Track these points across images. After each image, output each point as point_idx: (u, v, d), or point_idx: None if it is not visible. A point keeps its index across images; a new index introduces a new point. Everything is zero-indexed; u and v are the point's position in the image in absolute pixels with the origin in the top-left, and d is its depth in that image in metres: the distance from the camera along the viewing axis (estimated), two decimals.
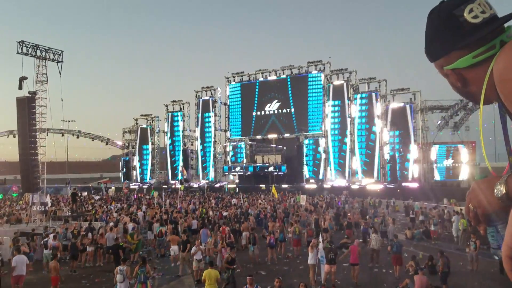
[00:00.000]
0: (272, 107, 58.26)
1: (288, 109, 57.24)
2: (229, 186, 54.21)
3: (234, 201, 36.62)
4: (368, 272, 15.94)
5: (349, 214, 26.99)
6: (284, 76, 57.64)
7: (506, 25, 1.16)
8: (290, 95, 56.90)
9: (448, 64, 1.21)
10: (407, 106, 48.70)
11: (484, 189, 1.12)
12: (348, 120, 51.32)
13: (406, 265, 15.23)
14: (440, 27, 1.20)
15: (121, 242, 18.44)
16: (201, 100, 61.67)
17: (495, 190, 1.08)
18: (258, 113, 59.40)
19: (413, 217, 27.75)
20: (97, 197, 41.02)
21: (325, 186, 49.39)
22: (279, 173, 51.88)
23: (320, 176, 53.24)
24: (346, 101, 51.55)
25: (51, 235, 18.23)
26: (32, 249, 17.64)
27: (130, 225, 21.63)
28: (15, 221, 26.00)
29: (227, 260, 13.85)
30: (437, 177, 47.47)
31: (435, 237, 22.86)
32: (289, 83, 57.18)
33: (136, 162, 65.27)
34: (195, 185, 57.76)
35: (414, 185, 46.02)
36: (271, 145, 55.72)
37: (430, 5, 1.26)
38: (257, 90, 59.47)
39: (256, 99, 59.39)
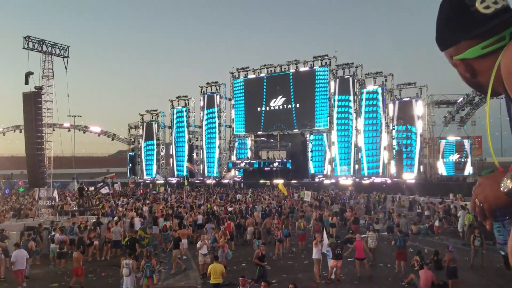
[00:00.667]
0: (277, 102, 58.17)
1: (294, 105, 57.09)
2: (234, 181, 54.29)
3: (239, 196, 36.71)
4: (373, 267, 15.92)
5: (347, 211, 26.66)
6: (290, 71, 57.48)
7: None
8: (296, 90, 56.69)
9: (458, 54, 1.19)
10: (414, 101, 48.44)
11: (490, 184, 1.11)
12: (354, 115, 51.16)
13: (411, 260, 15.21)
14: (451, 16, 1.18)
15: (128, 236, 18.57)
16: (206, 95, 61.70)
17: (502, 185, 1.07)
18: (263, 108, 59.33)
19: (420, 212, 27.60)
20: (104, 191, 41.08)
21: (330, 181, 49.32)
22: (284, 168, 51.86)
23: (325, 172, 53.18)
24: (352, 96, 51.37)
25: (58, 229, 18.35)
26: (39, 244, 17.80)
27: (137, 220, 21.76)
28: (24, 216, 26.24)
29: (257, 256, 13.58)
30: (443, 172, 47.27)
31: (439, 232, 22.77)
32: (294, 78, 57.02)
33: (142, 157, 65.58)
34: (200, 181, 57.93)
35: (420, 180, 45.85)
36: (276, 140, 55.66)
37: None
38: (263, 85, 59.36)
39: (261, 94, 59.30)
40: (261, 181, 50.08)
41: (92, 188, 46.78)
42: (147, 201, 33.82)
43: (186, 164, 59.02)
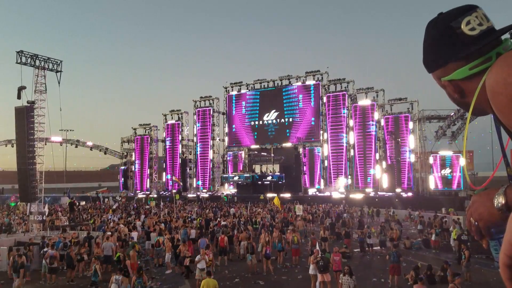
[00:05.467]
0: (271, 116, 58.42)
1: (287, 119, 57.38)
2: (227, 195, 54.00)
3: (232, 210, 36.50)
4: (366, 282, 15.83)
5: (322, 229, 23.44)
6: (282, 85, 57.89)
7: (503, 37, 1.17)
8: (288, 104, 57.08)
9: (445, 75, 1.22)
10: (405, 116, 48.84)
11: (484, 201, 1.12)
12: (346, 129, 51.45)
13: (406, 275, 15.15)
14: (437, 39, 1.21)
15: (118, 252, 18.33)
16: (199, 109, 61.83)
17: (495, 201, 1.08)
18: (257, 122, 59.54)
19: (401, 229, 25.57)
20: (115, 206, 42.72)
21: (323, 195, 49.29)
22: (277, 182, 51.79)
23: (319, 185, 53.18)
24: (344, 111, 51.72)
25: (50, 245, 18.06)
26: (29, 259, 17.49)
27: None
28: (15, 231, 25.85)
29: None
30: (435, 186, 47.40)
31: (435, 247, 22.75)
32: (287, 92, 57.43)
33: (134, 171, 65.15)
34: (193, 195, 57.58)
35: (412, 194, 45.97)
36: (270, 154, 55.69)
37: (428, 14, 1.28)
38: (255, 100, 59.70)
39: (254, 109, 59.60)
40: (255, 194, 49.89)
41: (83, 203, 46.60)
42: (140, 216, 33.43)
43: (174, 178, 58.41)
